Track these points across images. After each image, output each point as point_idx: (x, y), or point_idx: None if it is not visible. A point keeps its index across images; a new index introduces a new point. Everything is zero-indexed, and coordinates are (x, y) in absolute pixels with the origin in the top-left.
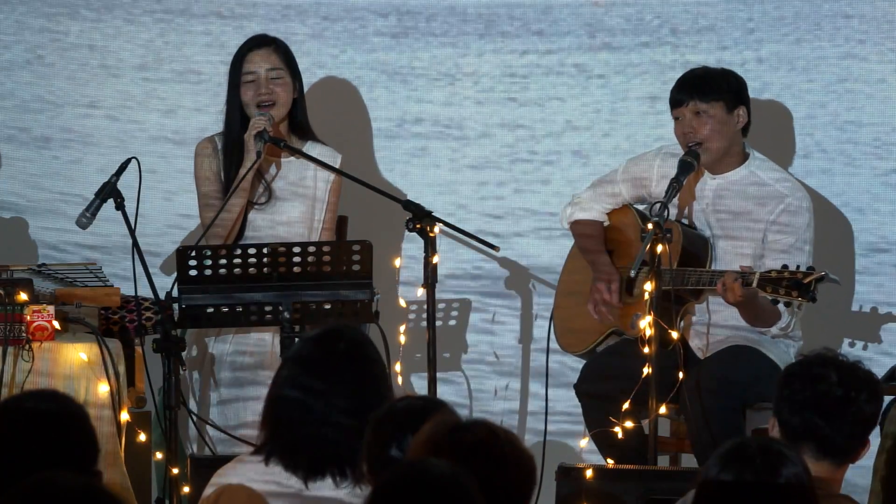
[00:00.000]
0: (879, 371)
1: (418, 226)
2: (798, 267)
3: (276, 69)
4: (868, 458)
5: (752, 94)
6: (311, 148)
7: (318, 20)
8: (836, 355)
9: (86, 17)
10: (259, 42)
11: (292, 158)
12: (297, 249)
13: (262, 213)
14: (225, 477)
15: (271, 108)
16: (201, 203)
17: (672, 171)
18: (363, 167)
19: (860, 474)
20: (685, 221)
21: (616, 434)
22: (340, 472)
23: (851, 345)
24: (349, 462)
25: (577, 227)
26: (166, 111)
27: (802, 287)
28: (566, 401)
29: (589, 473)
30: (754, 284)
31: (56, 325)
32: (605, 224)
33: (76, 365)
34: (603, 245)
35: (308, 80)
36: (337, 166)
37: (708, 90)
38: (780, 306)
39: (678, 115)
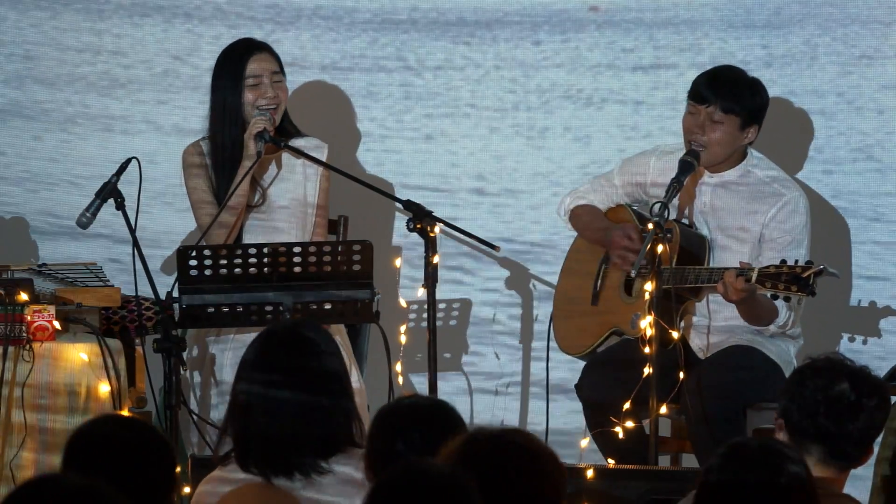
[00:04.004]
0: (879, 366)
1: (419, 226)
2: (796, 261)
3: (277, 73)
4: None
5: (777, 93)
6: (295, 142)
7: (308, 21)
8: (845, 360)
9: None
10: (257, 46)
11: (282, 157)
12: (297, 249)
13: (257, 214)
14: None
15: (274, 112)
16: (196, 209)
17: (668, 170)
18: (363, 169)
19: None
20: (686, 221)
21: (617, 434)
22: (293, 467)
23: (851, 339)
24: (300, 455)
25: (577, 213)
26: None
27: (801, 281)
28: (567, 401)
29: (590, 473)
30: (753, 280)
31: (57, 325)
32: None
33: (77, 365)
34: (606, 220)
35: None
36: (324, 156)
37: (731, 101)
38: (779, 303)
39: (695, 110)
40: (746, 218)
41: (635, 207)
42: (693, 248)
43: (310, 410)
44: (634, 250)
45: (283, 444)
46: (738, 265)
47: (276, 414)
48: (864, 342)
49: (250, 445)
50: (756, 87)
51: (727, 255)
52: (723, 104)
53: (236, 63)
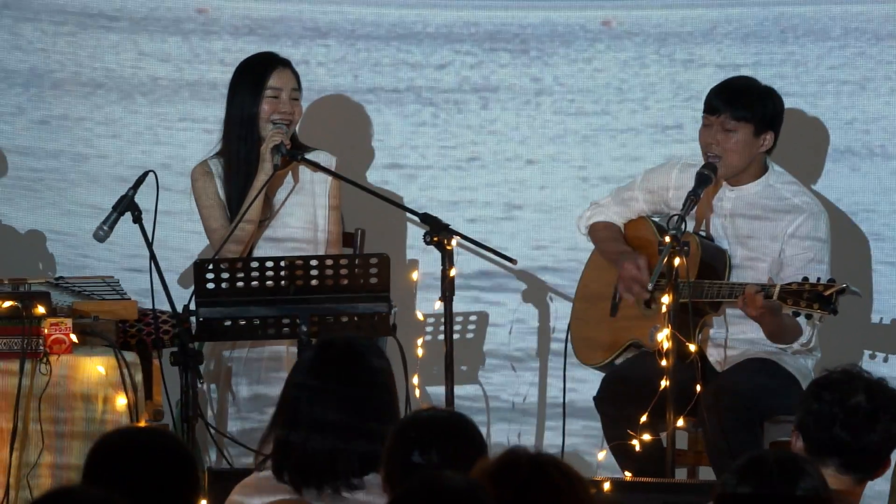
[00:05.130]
0: None
1: (436, 239)
2: (819, 279)
3: (296, 90)
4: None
5: (793, 104)
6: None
7: (322, 39)
8: (862, 372)
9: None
10: (281, 61)
11: (298, 170)
12: (314, 262)
13: (269, 227)
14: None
15: (288, 127)
16: (207, 226)
17: (690, 183)
18: (375, 181)
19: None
20: (703, 233)
21: (634, 447)
22: (325, 483)
23: (872, 357)
24: (335, 472)
25: (596, 229)
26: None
27: (823, 299)
28: (584, 413)
29: (607, 486)
30: (775, 297)
31: (73, 338)
32: (622, 233)
33: (94, 378)
34: (624, 242)
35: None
36: (333, 167)
37: (742, 108)
38: (802, 321)
39: (708, 122)
40: (767, 233)
41: (656, 219)
42: (714, 261)
43: (355, 431)
44: (641, 282)
45: (321, 461)
46: (757, 279)
47: (322, 431)
48: (886, 360)
49: (289, 455)
50: (768, 93)
51: (747, 269)
52: (734, 112)
53: (258, 74)
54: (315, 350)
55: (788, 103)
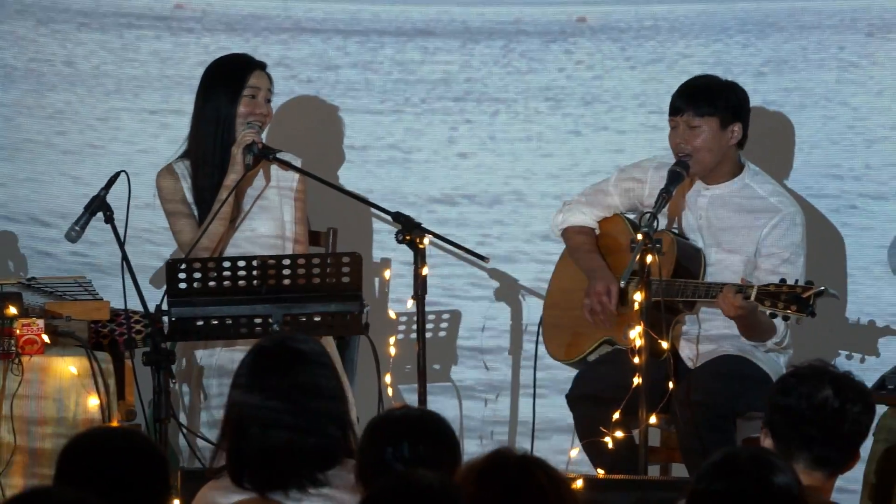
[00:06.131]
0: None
1: (407, 237)
2: (797, 281)
3: (270, 90)
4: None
5: (764, 101)
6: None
7: (298, 35)
8: (829, 366)
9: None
10: (259, 63)
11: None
12: (286, 262)
13: (238, 227)
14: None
15: (261, 128)
16: (176, 229)
17: (665, 181)
18: (349, 181)
19: (853, 482)
20: (675, 231)
21: (607, 444)
22: (289, 481)
23: (849, 357)
24: (296, 469)
25: (570, 233)
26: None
27: (801, 301)
28: (557, 411)
29: (580, 483)
30: (752, 298)
31: (46, 338)
32: (597, 232)
33: (66, 378)
34: (597, 250)
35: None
36: (298, 166)
37: (704, 104)
38: (777, 321)
39: (674, 123)
40: (742, 232)
41: (630, 216)
42: (688, 260)
43: (304, 423)
44: (605, 312)
45: (278, 458)
46: (731, 279)
47: (271, 428)
48: (862, 360)
49: (244, 461)
50: (730, 87)
51: (721, 268)
52: (696, 109)
53: (237, 74)
54: (250, 356)
55: (761, 100)
